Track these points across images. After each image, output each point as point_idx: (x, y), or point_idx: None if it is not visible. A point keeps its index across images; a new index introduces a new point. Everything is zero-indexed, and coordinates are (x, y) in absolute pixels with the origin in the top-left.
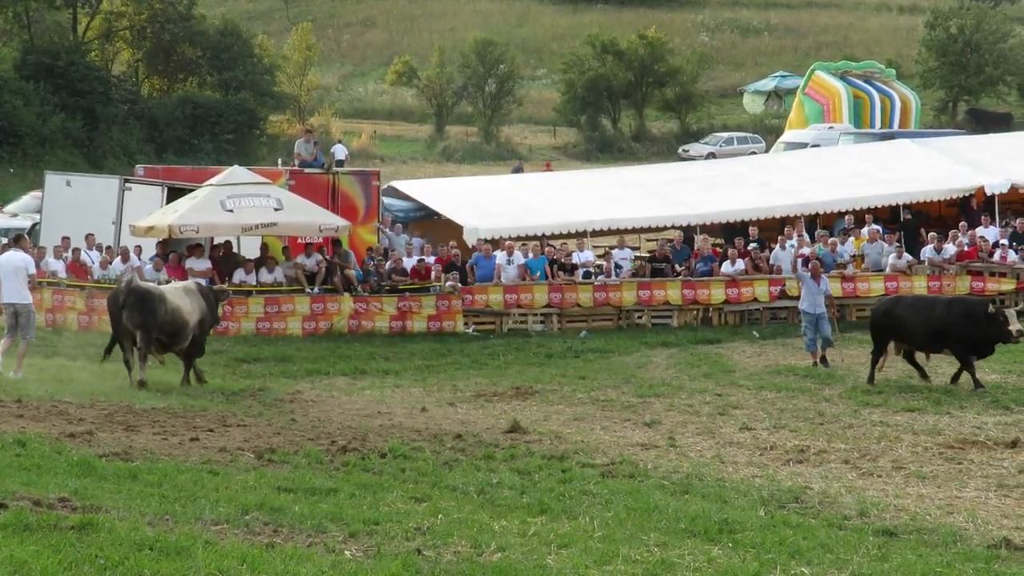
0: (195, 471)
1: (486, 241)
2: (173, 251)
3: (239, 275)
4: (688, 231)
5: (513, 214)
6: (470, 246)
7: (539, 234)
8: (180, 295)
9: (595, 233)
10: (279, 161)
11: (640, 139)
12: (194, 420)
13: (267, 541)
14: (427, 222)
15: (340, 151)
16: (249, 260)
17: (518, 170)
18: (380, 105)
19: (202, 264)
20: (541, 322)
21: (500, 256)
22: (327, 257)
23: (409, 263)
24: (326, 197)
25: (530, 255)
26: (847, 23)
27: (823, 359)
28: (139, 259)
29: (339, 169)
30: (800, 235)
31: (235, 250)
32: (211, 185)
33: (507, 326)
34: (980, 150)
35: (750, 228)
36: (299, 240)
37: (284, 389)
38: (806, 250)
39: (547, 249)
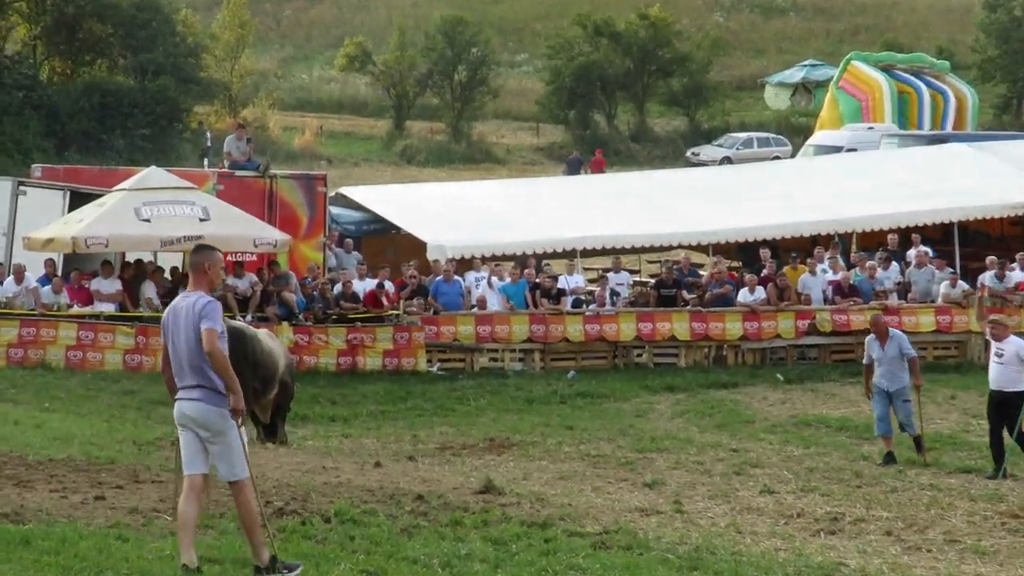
0: (100, 536)
1: (456, 262)
2: (75, 269)
3: (148, 290)
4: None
5: (487, 229)
6: (433, 265)
7: (518, 253)
8: (267, 336)
9: (586, 253)
10: (205, 162)
11: (640, 139)
12: (99, 475)
13: None
14: (383, 237)
15: (232, 145)
16: (159, 270)
17: (576, 163)
18: (327, 95)
19: (111, 286)
20: (520, 360)
21: (470, 277)
22: (266, 279)
23: (361, 287)
24: (262, 205)
25: (507, 279)
26: (889, 3)
27: (889, 454)
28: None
29: (274, 173)
30: (833, 258)
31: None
32: (123, 190)
33: (479, 364)
34: None
35: (761, 250)
36: (229, 257)
37: None
38: (839, 275)
39: (528, 272)
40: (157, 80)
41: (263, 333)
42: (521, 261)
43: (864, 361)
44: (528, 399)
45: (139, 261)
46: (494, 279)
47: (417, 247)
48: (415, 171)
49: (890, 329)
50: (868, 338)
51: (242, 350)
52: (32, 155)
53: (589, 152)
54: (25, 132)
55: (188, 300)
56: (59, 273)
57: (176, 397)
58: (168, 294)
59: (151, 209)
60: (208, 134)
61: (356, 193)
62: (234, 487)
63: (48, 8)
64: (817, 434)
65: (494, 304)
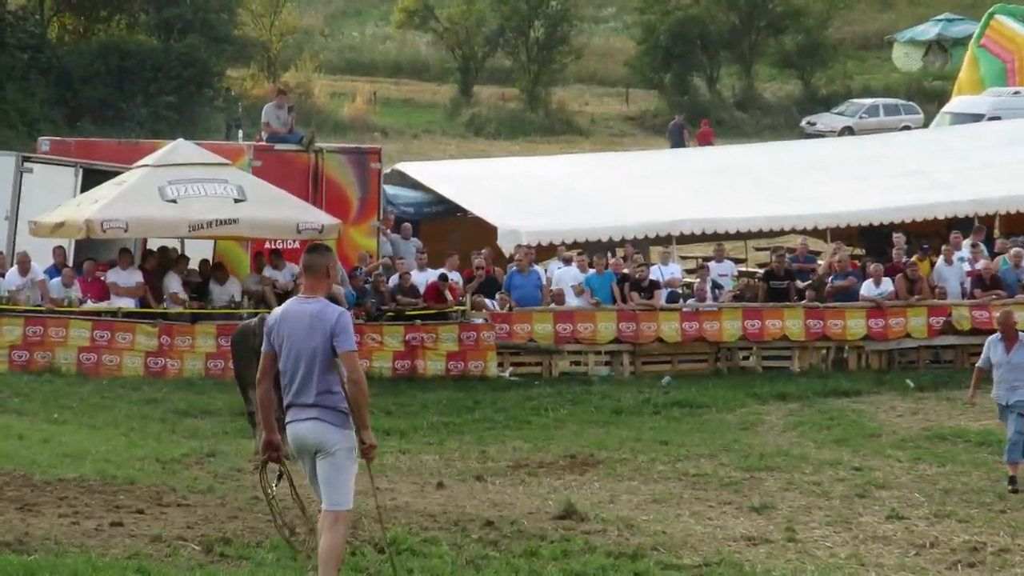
0: (118, 569)
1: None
2: (89, 258)
3: (172, 283)
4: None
5: (568, 211)
6: (507, 255)
7: (604, 239)
8: None
9: (683, 239)
10: (240, 134)
11: (747, 107)
12: (116, 497)
13: None
14: (447, 221)
15: (271, 114)
16: (185, 259)
17: (678, 129)
18: (382, 56)
19: (130, 278)
20: (607, 363)
21: (552, 268)
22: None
23: (422, 279)
24: (305, 184)
25: (591, 270)
26: None
27: (1011, 479)
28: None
29: (321, 146)
30: (975, 245)
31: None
32: (145, 166)
33: (559, 368)
34: None
35: (895, 234)
36: (267, 245)
37: (244, 454)
38: (980, 265)
39: (615, 261)
40: (184, 39)
41: None
42: (605, 248)
43: (979, 363)
44: (616, 409)
45: (163, 249)
46: (572, 269)
47: (486, 232)
48: (484, 144)
49: (1020, 332)
50: (991, 338)
51: None
52: (39, 126)
53: (691, 123)
54: (31, 100)
55: (309, 307)
56: (70, 263)
57: (288, 419)
58: (198, 288)
59: (178, 188)
60: (239, 105)
61: (415, 170)
62: (330, 517)
63: None
64: (954, 450)
65: (574, 299)
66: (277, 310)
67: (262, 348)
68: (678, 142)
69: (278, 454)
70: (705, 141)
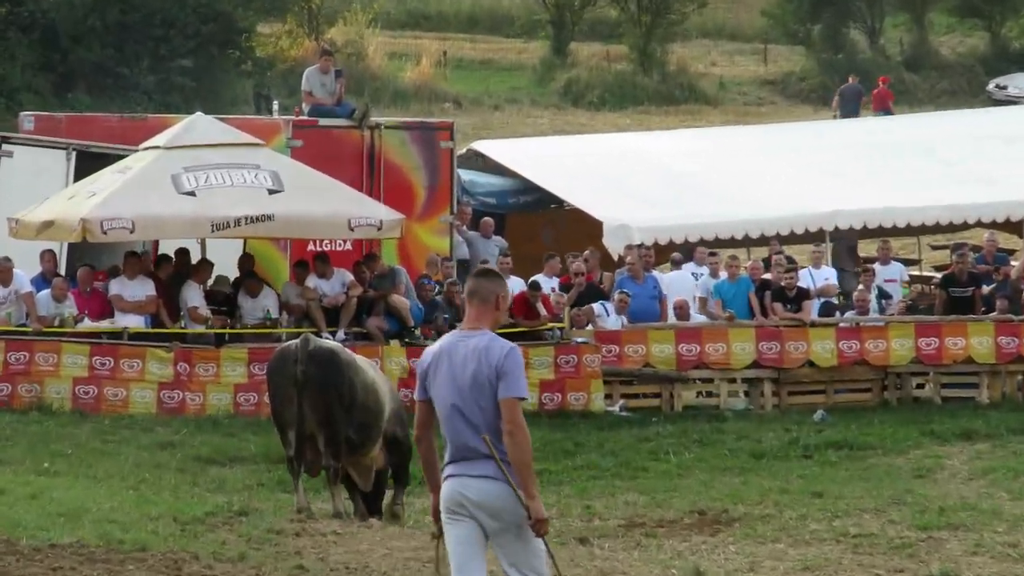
0: None
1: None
2: (86, 265)
3: (192, 296)
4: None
5: (691, 201)
6: (615, 256)
7: (738, 236)
8: (368, 366)
9: (840, 235)
10: (275, 105)
11: (919, 66)
12: (124, 567)
13: None
14: (538, 215)
15: (314, 80)
16: (207, 265)
17: (855, 94)
18: (453, 7)
19: (140, 290)
20: (744, 394)
21: (676, 273)
22: (366, 279)
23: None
24: (359, 169)
25: (722, 275)
26: None
27: None
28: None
29: (378, 120)
30: None
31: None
32: (156, 148)
33: (683, 401)
34: None
35: None
36: (311, 247)
37: (283, 511)
38: None
39: (754, 264)
40: None
41: (363, 361)
42: (739, 247)
43: None
44: (755, 452)
45: (181, 252)
46: (698, 273)
47: (588, 229)
48: (584, 116)
49: None
50: None
51: (333, 381)
52: (20, 98)
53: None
54: (11, 65)
55: (472, 341)
56: (62, 271)
57: (447, 474)
58: (225, 301)
59: (196, 177)
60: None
61: (497, 149)
62: None
63: None
64: None
65: (699, 313)
66: (431, 348)
67: (415, 396)
68: (852, 112)
69: None
70: (882, 105)
